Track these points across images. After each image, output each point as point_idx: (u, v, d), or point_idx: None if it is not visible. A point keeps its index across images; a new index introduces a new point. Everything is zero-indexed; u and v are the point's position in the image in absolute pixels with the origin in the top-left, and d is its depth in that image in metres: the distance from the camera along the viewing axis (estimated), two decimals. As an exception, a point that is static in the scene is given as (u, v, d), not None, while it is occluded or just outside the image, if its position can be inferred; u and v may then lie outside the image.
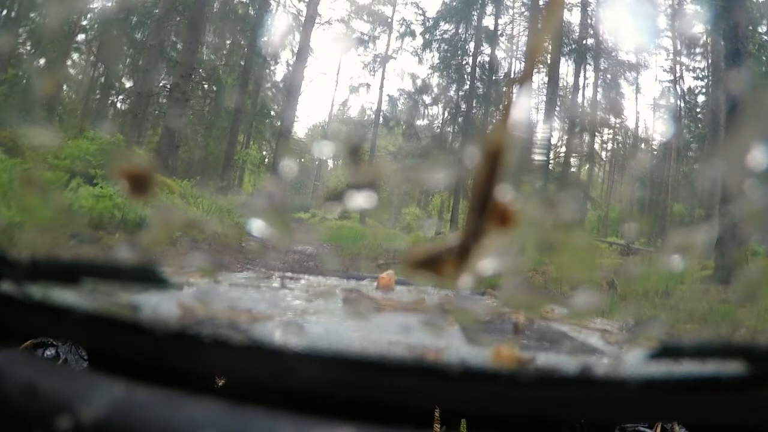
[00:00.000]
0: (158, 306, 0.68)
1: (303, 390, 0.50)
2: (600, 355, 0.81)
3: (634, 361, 0.60)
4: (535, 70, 0.47)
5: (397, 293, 1.31)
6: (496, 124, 0.47)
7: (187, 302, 0.70)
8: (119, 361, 0.56)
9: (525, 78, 0.50)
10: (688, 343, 0.54)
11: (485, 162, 0.46)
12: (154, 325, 0.53)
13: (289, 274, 1.48)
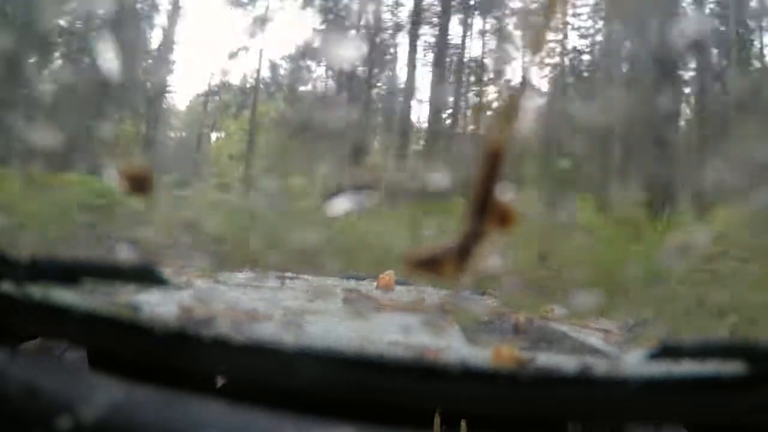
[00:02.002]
0: (158, 306, 0.68)
1: (303, 390, 0.50)
2: (600, 355, 0.81)
3: (634, 361, 0.60)
4: (537, 67, 0.47)
5: (397, 293, 1.31)
6: (496, 124, 0.47)
7: (187, 302, 0.70)
8: (119, 361, 0.56)
9: (525, 78, 0.50)
10: (688, 343, 0.54)
11: (484, 162, 0.47)
12: (154, 325, 0.53)
13: (288, 273, 1.48)
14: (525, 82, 0.50)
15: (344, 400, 0.50)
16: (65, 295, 0.60)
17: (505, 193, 0.47)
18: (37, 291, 0.59)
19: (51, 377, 0.48)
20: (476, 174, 0.47)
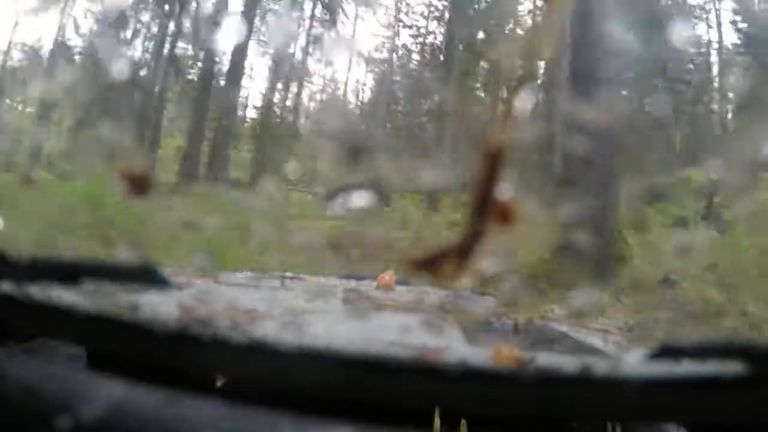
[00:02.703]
0: (158, 306, 0.68)
1: (303, 390, 0.50)
2: (600, 355, 0.81)
3: (634, 361, 0.60)
4: (534, 72, 0.47)
5: (397, 293, 1.31)
6: (496, 124, 0.47)
7: (187, 302, 0.70)
8: (119, 361, 0.56)
9: (525, 80, 0.50)
10: (688, 343, 0.54)
11: (485, 162, 0.46)
12: (154, 325, 0.53)
13: (288, 273, 1.48)
14: (522, 82, 0.50)
15: (344, 400, 0.50)
16: (65, 295, 0.60)
17: (506, 193, 0.47)
18: (37, 291, 0.59)
19: (51, 377, 0.48)
20: (476, 173, 0.47)
